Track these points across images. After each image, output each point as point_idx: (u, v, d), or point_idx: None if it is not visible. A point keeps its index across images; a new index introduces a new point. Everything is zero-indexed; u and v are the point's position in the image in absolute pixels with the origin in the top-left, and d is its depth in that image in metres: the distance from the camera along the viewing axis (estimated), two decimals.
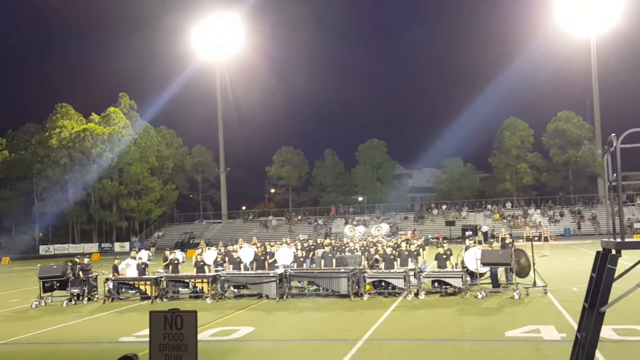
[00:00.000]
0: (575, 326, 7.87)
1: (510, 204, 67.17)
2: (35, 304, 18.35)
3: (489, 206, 66.92)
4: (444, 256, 17.87)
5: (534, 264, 17.55)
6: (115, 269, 19.62)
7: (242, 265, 20.24)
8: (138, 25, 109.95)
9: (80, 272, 19.17)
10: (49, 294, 18.94)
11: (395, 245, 21.53)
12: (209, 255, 21.39)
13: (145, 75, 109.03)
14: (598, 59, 63.57)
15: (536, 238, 32.95)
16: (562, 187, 71.24)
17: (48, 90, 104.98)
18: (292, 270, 18.34)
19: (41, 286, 18.70)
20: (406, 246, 20.04)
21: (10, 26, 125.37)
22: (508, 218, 62.29)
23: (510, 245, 20.01)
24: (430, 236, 48.41)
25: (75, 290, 18.80)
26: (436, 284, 17.37)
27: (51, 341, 12.92)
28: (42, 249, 69.73)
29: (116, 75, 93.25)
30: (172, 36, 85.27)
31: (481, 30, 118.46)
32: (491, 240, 38.46)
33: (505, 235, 22.33)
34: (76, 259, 20.41)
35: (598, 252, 5.91)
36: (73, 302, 18.50)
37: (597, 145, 65.26)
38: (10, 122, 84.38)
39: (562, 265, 26.07)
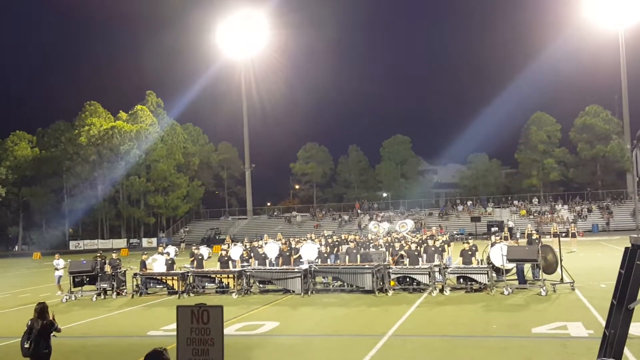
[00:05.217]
0: (603, 323, 7.76)
1: (536, 200, 66.23)
2: (66, 298, 18.77)
3: (515, 202, 66.10)
4: (469, 252, 17.76)
5: (561, 260, 17.36)
6: (143, 265, 19.93)
7: (267, 261, 20.41)
8: (165, 24, 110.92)
9: (109, 267, 19.52)
10: (79, 288, 19.38)
11: (420, 241, 21.47)
12: (236, 251, 21.60)
13: (171, 73, 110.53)
14: (627, 53, 62.26)
15: (563, 234, 32.41)
16: (590, 183, 69.95)
17: (77, 88, 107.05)
18: (316, 266, 18.44)
19: (71, 281, 19.12)
20: (432, 242, 19.96)
21: (40, 26, 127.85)
22: (535, 214, 61.49)
23: (537, 241, 19.80)
24: (454, 232, 48.09)
25: (105, 285, 19.17)
26: (461, 280, 17.29)
27: (81, 335, 13.20)
28: (72, 245, 71.09)
29: (143, 73, 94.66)
30: (197, 35, 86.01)
31: (507, 23, 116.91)
32: (517, 236, 38.00)
33: (531, 231, 22.09)
34: (98, 255, 20.77)
35: (627, 248, 5.84)
36: (102, 297, 18.87)
37: (625, 140, 63.93)
38: (40, 120, 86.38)
39: (590, 261, 25.69)
